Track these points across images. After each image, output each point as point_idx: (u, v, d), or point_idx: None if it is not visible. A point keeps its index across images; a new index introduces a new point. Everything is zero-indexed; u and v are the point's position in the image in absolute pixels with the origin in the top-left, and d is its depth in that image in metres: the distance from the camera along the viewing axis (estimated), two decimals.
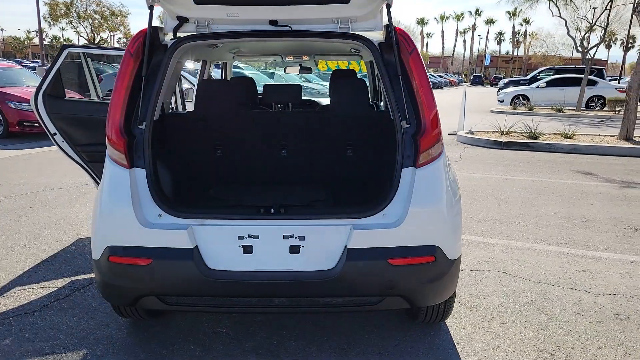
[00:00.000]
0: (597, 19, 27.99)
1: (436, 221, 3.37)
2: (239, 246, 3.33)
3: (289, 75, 22.63)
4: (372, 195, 4.00)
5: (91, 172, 5.53)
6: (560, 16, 28.33)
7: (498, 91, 34.74)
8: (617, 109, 25.35)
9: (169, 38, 3.75)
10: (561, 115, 24.65)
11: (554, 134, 15.35)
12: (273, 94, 4.39)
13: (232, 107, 4.29)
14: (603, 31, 28.03)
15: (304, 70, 7.21)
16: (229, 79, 6.67)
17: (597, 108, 28.24)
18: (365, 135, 4.30)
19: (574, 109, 26.84)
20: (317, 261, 3.32)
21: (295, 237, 3.32)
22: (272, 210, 3.42)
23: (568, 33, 28.49)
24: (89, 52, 6.02)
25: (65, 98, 5.29)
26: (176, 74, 4.20)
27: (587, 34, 29.37)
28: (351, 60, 7.37)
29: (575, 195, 8.77)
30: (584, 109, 27.68)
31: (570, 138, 14.31)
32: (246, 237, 3.33)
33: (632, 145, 13.15)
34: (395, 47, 3.37)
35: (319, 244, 3.32)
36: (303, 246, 3.31)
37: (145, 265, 3.27)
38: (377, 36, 3.67)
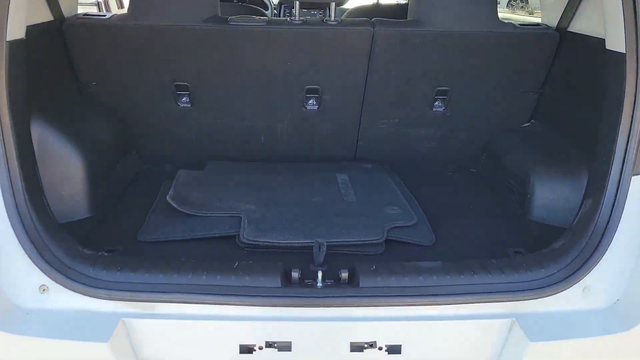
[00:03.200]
0: None
1: None
2: None
3: None
4: (513, 216, 2.03)
5: None
6: None
7: None
8: None
9: None
10: None
11: None
12: None
13: (208, 6, 2.07)
14: None
15: None
16: None
17: None
18: (498, 78, 2.20)
19: None
20: None
21: (381, 348, 1.38)
22: (319, 276, 1.43)
23: None
24: None
25: None
26: None
27: None
28: None
29: None
30: None
31: None
32: (259, 349, 1.37)
33: None
34: None
35: None
36: None
37: None
38: None
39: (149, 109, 2.28)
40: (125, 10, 2.16)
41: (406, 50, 2.10)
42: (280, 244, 1.67)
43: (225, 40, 2.07)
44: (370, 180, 2.19)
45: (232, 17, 2.06)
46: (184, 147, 2.42)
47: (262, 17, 2.13)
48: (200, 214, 1.84)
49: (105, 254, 1.50)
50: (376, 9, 3.41)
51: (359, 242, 1.69)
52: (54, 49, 1.99)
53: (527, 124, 2.37)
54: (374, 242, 1.70)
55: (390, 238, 1.74)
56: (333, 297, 1.39)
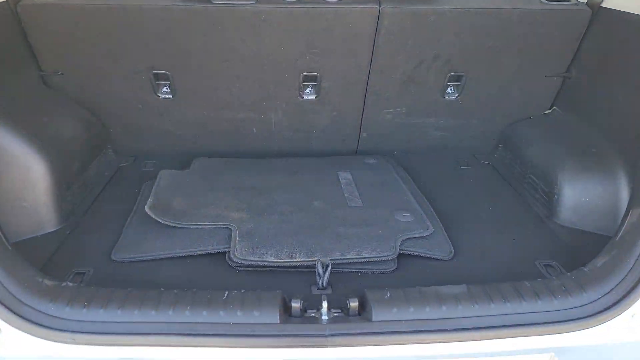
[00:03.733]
0: None
1: None
2: None
3: None
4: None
5: None
6: None
7: None
8: None
9: None
10: None
11: None
12: None
13: None
14: None
15: None
16: None
17: None
18: (519, 61, 1.96)
19: None
20: None
21: None
22: (324, 306, 1.21)
23: None
24: None
25: None
26: None
27: None
28: None
29: None
30: None
31: None
32: None
33: None
34: None
35: None
36: None
37: None
38: None
39: (125, 100, 2.02)
40: None
41: (416, 31, 1.84)
42: (277, 264, 1.45)
43: (208, 22, 1.80)
44: (376, 178, 1.95)
45: None
46: (167, 142, 2.16)
47: None
48: (184, 226, 1.60)
49: (70, 284, 1.27)
50: None
51: (368, 260, 1.47)
52: (9, 34, 1.72)
53: (549, 111, 2.14)
54: (385, 258, 1.47)
55: (404, 252, 1.52)
56: (341, 334, 1.18)
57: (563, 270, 1.49)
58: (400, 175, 1.99)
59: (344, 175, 1.96)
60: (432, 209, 1.76)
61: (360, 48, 1.87)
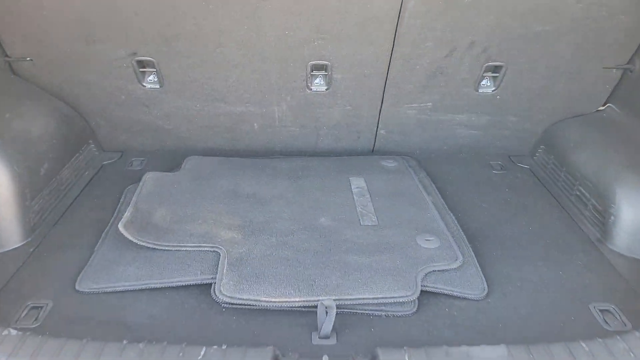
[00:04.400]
0: None
1: None
2: None
3: None
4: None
5: None
6: None
7: None
8: None
9: None
10: None
11: None
12: None
13: None
14: None
15: None
16: None
17: None
18: (571, 50, 1.64)
19: None
20: None
21: None
22: None
23: None
24: None
25: None
26: None
27: None
28: None
29: None
30: None
31: None
32: None
33: None
34: None
35: None
36: None
37: None
38: None
39: (105, 91, 1.76)
40: None
41: (448, 13, 1.52)
42: (271, 304, 1.19)
43: (198, 0, 1.51)
44: (395, 186, 1.67)
45: None
46: (156, 137, 1.90)
47: None
48: (164, 248, 1.35)
49: (13, 332, 1.03)
50: None
51: (382, 301, 1.20)
52: None
53: (602, 108, 1.81)
54: (403, 299, 1.20)
55: (426, 289, 1.25)
56: None
57: (624, 319, 1.21)
58: (422, 183, 1.71)
59: (357, 183, 1.68)
60: (461, 230, 1.48)
61: (380, 33, 1.57)
